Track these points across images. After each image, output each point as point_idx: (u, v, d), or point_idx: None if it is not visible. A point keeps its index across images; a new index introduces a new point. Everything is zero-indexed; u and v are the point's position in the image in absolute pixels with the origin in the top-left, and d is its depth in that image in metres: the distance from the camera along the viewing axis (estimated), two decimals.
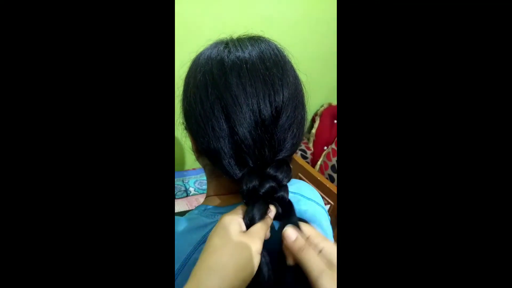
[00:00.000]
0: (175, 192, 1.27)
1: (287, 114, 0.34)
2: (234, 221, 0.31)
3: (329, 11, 1.36)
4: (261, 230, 0.31)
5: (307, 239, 0.31)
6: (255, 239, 0.30)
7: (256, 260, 0.29)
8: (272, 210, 0.33)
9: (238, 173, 0.34)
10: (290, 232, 0.31)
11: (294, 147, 0.36)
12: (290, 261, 0.32)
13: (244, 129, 0.32)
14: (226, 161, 0.34)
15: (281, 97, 0.33)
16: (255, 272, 0.29)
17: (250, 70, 0.33)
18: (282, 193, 0.34)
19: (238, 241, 0.29)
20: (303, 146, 1.56)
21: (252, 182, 0.33)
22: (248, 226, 0.31)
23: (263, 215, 0.32)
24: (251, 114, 0.32)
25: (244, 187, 0.33)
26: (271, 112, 0.33)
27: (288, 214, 0.34)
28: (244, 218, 0.32)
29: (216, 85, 0.33)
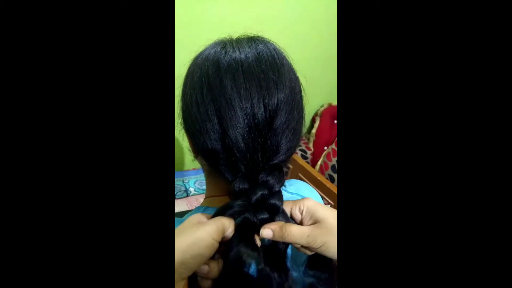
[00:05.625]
0: (175, 192, 1.27)
1: (282, 118, 0.33)
2: (193, 216, 0.31)
3: (329, 10, 1.36)
4: (215, 221, 0.30)
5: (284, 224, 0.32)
6: (206, 224, 0.29)
7: (202, 245, 0.28)
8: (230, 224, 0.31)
9: (231, 176, 0.34)
10: (264, 232, 0.32)
11: (289, 152, 0.35)
12: (306, 252, 0.34)
13: (236, 132, 0.32)
14: (220, 163, 0.34)
15: (276, 100, 0.33)
16: (201, 256, 0.28)
17: (245, 73, 0.32)
18: (274, 201, 0.33)
19: (181, 230, 0.29)
20: (303, 146, 1.56)
21: (241, 186, 0.32)
22: (220, 213, 0.31)
23: (242, 209, 0.32)
24: (245, 118, 0.32)
25: (232, 191, 0.33)
26: (265, 115, 0.32)
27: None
28: (215, 211, 0.32)
29: (211, 87, 0.33)
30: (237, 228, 0.31)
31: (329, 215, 0.32)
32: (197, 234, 0.28)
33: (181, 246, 0.27)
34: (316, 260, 0.34)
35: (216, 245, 0.29)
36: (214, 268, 0.30)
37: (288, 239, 0.31)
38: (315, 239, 0.31)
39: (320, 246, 0.31)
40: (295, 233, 0.31)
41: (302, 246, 0.33)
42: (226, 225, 0.30)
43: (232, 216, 0.31)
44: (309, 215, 0.33)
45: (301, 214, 0.33)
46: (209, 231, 0.28)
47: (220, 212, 0.32)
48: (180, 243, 0.27)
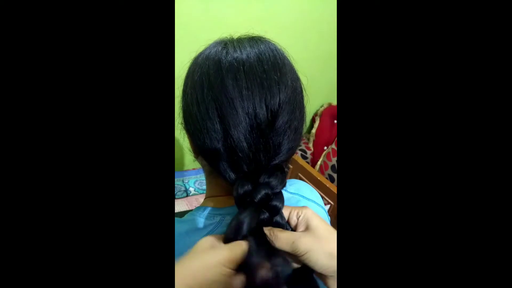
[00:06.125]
0: (175, 192, 1.27)
1: (284, 118, 0.33)
2: (206, 238, 0.30)
3: (329, 10, 1.36)
4: (232, 246, 0.29)
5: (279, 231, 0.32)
6: (218, 250, 0.28)
7: (213, 272, 0.27)
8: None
9: (232, 176, 0.34)
10: None
11: (291, 152, 0.35)
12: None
13: (238, 132, 0.32)
14: (221, 163, 0.34)
15: (278, 100, 0.33)
16: (217, 282, 0.27)
17: (247, 73, 0.32)
18: (276, 202, 0.33)
19: (192, 254, 0.28)
20: (303, 146, 1.56)
21: (244, 187, 0.32)
22: (234, 234, 0.30)
23: (252, 222, 0.31)
24: (247, 118, 0.32)
25: (235, 193, 0.32)
26: (267, 115, 0.32)
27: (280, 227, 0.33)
28: (227, 229, 0.31)
29: (212, 86, 0.32)
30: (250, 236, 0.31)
31: (321, 226, 0.32)
32: (206, 259, 0.27)
33: (190, 271, 0.26)
34: (298, 276, 0.33)
35: (231, 271, 0.28)
36: (239, 284, 0.29)
37: (274, 243, 0.31)
38: (299, 246, 0.30)
39: (304, 254, 0.30)
40: (281, 239, 0.31)
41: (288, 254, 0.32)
42: (242, 250, 0.29)
43: (245, 236, 0.30)
44: (304, 221, 0.33)
45: (298, 219, 0.33)
46: (219, 258, 0.27)
47: (232, 232, 0.30)
48: (188, 267, 0.27)
